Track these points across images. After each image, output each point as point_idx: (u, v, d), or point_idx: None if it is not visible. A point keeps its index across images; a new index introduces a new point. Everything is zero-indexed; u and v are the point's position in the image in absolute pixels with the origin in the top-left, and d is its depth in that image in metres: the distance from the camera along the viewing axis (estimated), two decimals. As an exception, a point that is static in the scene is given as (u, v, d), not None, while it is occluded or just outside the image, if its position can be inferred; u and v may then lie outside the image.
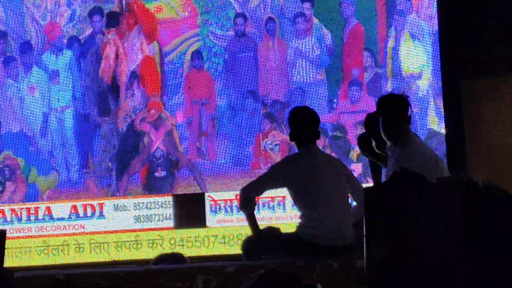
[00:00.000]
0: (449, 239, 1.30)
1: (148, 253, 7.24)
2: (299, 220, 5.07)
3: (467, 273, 1.31)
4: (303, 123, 5.07)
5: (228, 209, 7.36)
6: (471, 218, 1.31)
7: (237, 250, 7.14)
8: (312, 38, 7.64)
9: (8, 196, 7.55)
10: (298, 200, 5.07)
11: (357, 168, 7.39)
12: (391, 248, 1.33)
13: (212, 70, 7.70)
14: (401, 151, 4.77)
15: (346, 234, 4.96)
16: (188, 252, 6.87)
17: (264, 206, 7.33)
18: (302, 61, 7.63)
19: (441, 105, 7.34)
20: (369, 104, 7.51)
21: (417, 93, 7.46)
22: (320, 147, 5.21)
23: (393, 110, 4.74)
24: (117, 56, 7.69)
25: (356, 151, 7.45)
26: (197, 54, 7.69)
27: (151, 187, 7.56)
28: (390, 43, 7.56)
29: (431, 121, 7.44)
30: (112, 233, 7.39)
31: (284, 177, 5.04)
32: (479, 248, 1.30)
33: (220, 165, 7.57)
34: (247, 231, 6.64)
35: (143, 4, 7.72)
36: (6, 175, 7.57)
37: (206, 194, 7.43)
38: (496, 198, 1.32)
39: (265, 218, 7.26)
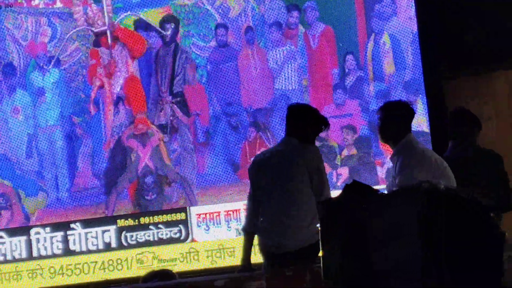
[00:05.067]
0: (409, 248, 1.28)
1: (137, 271, 7.23)
2: None
3: (428, 281, 1.29)
4: (287, 116, 4.99)
5: (216, 222, 7.33)
6: (433, 224, 1.30)
7: (226, 263, 7.12)
8: (291, 46, 7.63)
9: (5, 224, 7.52)
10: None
11: (344, 172, 7.37)
12: (348, 262, 1.31)
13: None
14: (398, 157, 4.85)
15: (286, 241, 4.74)
16: (177, 268, 6.85)
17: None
18: (283, 68, 7.63)
19: (424, 104, 7.33)
20: (353, 108, 7.50)
21: (400, 94, 7.45)
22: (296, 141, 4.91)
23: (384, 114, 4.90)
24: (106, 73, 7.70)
25: (342, 155, 7.45)
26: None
27: (141, 206, 7.53)
28: (370, 46, 7.55)
29: (415, 120, 7.41)
30: (98, 252, 7.37)
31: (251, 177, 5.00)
32: (441, 255, 1.29)
33: (208, 176, 7.55)
34: (235, 244, 6.66)
35: (126, 28, 7.71)
36: (2, 203, 7.54)
37: (193, 208, 7.40)
38: (459, 203, 1.30)
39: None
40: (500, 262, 1.28)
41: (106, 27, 7.67)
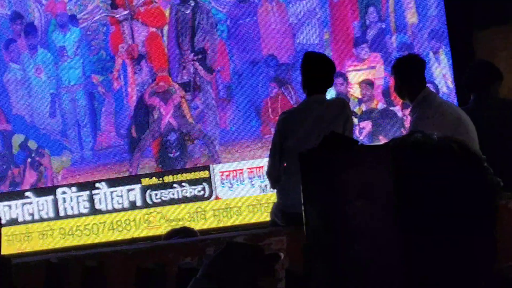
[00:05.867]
0: (388, 208, 1.23)
1: (145, 231, 7.27)
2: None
3: (407, 246, 1.24)
4: (311, 70, 4.76)
5: (239, 180, 7.31)
6: (418, 182, 1.24)
7: (232, 222, 7.11)
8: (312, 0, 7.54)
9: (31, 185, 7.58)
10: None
11: (367, 126, 7.31)
12: (327, 218, 1.27)
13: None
14: (415, 112, 4.82)
15: None
16: (200, 225, 6.87)
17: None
18: (303, 22, 7.54)
19: (448, 56, 7.21)
20: (376, 60, 7.41)
21: (423, 45, 7.34)
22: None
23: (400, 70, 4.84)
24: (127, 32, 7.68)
25: (360, 110, 7.37)
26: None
27: (165, 163, 7.54)
28: (392, -4, 7.44)
29: (438, 73, 7.32)
30: (123, 211, 7.40)
31: (281, 137, 4.80)
32: (422, 218, 1.23)
33: (231, 133, 7.53)
34: (241, 203, 6.63)
35: (146, 9, 7.65)
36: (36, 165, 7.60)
37: (216, 166, 7.38)
38: (453, 156, 1.24)
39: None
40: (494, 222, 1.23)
41: (128, 11, 7.64)
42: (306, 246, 1.26)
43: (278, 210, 4.90)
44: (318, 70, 4.77)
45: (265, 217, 6.98)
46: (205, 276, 1.57)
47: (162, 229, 7.19)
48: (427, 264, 1.22)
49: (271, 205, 7.06)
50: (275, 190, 4.98)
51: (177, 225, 6.98)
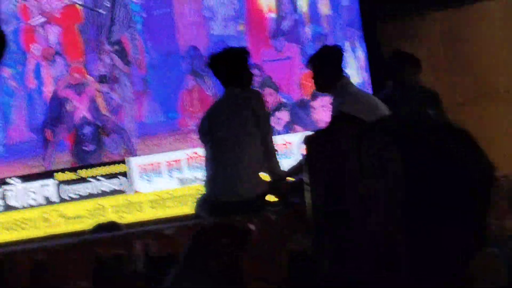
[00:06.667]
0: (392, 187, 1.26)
1: (45, 229, 7.15)
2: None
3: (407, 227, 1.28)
4: (220, 66, 4.96)
5: (157, 173, 7.25)
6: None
7: (133, 218, 7.07)
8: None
9: None
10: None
11: (283, 116, 7.37)
12: (333, 198, 1.30)
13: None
14: (335, 100, 4.95)
15: (240, 190, 4.76)
16: (122, 219, 6.80)
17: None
18: (218, 13, 7.55)
19: (362, 47, 7.36)
20: (292, 51, 7.49)
21: (337, 36, 7.46)
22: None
23: (322, 62, 4.95)
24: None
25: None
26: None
27: (80, 157, 7.42)
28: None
29: (352, 64, 7.45)
30: (39, 207, 7.26)
31: (201, 132, 4.99)
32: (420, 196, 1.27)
33: (148, 126, 7.48)
34: (141, 199, 6.67)
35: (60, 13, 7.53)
36: None
37: (133, 159, 7.31)
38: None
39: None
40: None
41: (43, 19, 7.51)
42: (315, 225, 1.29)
43: (204, 202, 4.94)
44: (229, 66, 4.91)
45: (167, 212, 6.98)
46: (187, 268, 1.58)
47: (62, 228, 7.09)
48: (415, 247, 1.24)
49: (173, 200, 7.13)
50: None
51: (76, 223, 6.92)
